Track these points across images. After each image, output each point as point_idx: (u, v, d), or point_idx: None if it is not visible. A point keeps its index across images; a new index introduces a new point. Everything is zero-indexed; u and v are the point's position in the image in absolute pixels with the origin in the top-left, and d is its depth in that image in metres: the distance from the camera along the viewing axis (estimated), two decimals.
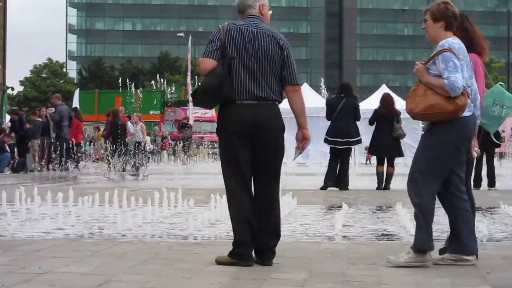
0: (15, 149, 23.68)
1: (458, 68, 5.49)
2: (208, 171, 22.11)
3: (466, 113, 5.54)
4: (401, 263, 5.44)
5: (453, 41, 5.62)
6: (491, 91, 6.12)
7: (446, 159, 5.56)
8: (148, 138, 31.35)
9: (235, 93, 5.50)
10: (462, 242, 5.60)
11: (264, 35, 5.61)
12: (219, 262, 5.45)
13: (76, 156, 22.94)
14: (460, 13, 5.82)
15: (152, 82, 57.09)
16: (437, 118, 5.52)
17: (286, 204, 9.28)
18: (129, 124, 24.81)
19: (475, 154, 5.86)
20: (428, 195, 5.53)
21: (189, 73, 40.41)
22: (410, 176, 5.62)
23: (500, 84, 6.29)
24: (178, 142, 31.24)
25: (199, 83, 5.70)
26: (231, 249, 5.46)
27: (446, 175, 5.61)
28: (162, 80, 55.17)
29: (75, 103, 44.65)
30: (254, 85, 5.54)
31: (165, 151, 32.25)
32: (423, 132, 6.17)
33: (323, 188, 13.81)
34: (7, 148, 22.47)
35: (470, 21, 6.03)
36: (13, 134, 23.78)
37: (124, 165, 22.55)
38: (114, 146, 22.12)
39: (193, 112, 35.08)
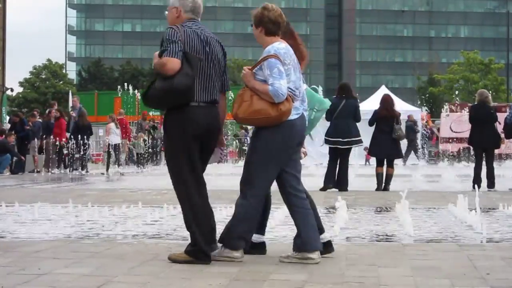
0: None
1: (282, 74, 5.56)
2: (207, 172, 22.08)
3: (294, 116, 5.65)
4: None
5: (279, 46, 5.68)
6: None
7: (274, 160, 5.63)
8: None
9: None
10: (302, 239, 5.67)
11: (213, 39, 5.75)
12: (174, 260, 5.56)
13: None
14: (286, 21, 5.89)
15: None
16: (262, 123, 5.62)
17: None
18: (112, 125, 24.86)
19: (302, 156, 5.97)
20: (255, 197, 5.63)
21: None
22: (242, 179, 5.71)
23: (312, 88, 6.37)
24: None
25: (153, 85, 5.54)
26: (192, 249, 5.54)
27: (275, 176, 5.69)
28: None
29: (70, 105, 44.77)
30: (210, 88, 5.66)
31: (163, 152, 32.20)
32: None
33: (323, 189, 13.80)
34: (13, 147, 22.45)
35: (291, 27, 6.09)
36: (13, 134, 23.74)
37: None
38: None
39: None
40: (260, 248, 6.00)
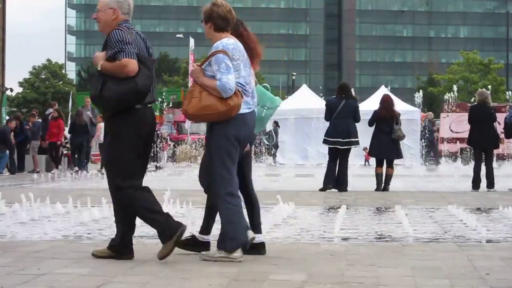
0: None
1: (230, 69, 5.62)
2: None
3: (245, 110, 5.71)
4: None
5: (228, 42, 5.74)
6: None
7: (230, 155, 5.67)
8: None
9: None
10: (224, 237, 5.70)
11: (147, 40, 5.85)
12: (96, 255, 5.70)
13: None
14: (237, 19, 5.94)
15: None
16: (212, 118, 5.68)
17: (285, 205, 9.28)
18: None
19: (248, 148, 6.03)
20: (227, 195, 5.65)
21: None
22: (211, 178, 5.77)
23: (264, 86, 6.39)
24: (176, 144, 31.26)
25: (105, 86, 5.52)
26: (117, 243, 5.70)
27: (235, 168, 5.73)
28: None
29: (70, 105, 44.79)
30: (154, 88, 5.78)
31: (164, 152, 32.22)
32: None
33: (323, 189, 13.79)
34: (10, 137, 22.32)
35: (245, 26, 6.14)
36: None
37: None
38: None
39: None
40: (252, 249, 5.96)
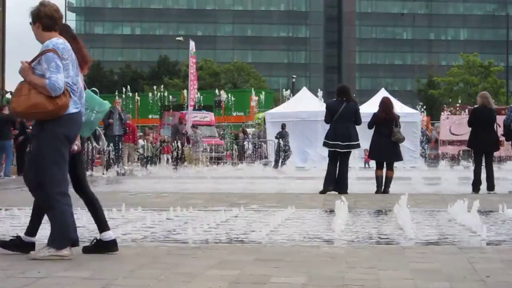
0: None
1: (60, 68, 5.71)
2: (206, 175, 22.11)
3: (73, 110, 5.81)
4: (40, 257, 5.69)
5: (58, 41, 5.83)
6: None
7: (60, 154, 5.74)
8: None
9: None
10: (53, 236, 5.75)
11: None
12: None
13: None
14: (64, 24, 6.13)
15: (155, 86, 57.26)
16: (40, 117, 5.75)
17: (285, 208, 9.28)
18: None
19: (75, 148, 6.09)
20: (57, 194, 5.71)
21: (191, 77, 40.34)
22: (33, 182, 5.81)
23: (93, 90, 6.50)
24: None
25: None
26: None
27: (66, 168, 5.81)
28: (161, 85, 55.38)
29: None
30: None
31: (164, 155, 32.23)
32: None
33: (323, 192, 13.79)
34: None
35: (72, 31, 6.31)
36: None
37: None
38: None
39: (192, 116, 35.05)
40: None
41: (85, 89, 6.23)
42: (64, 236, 5.72)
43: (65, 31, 6.10)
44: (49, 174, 5.71)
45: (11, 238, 6.17)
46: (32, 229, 6.14)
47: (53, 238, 5.74)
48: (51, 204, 5.74)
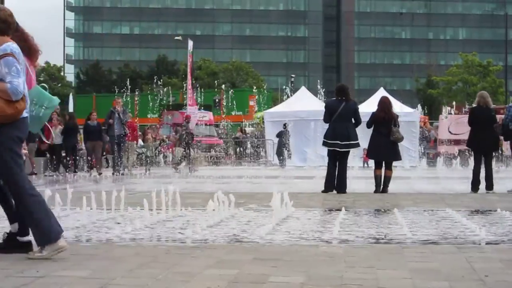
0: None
1: (20, 73, 5.76)
2: (204, 174, 22.12)
3: (25, 114, 5.88)
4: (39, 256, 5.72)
5: (14, 46, 5.86)
6: (30, 91, 6.23)
7: (16, 154, 5.78)
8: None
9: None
10: (42, 233, 5.76)
11: None
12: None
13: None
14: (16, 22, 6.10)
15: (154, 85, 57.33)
16: None
17: (284, 207, 9.28)
18: None
19: (26, 152, 6.24)
20: (29, 194, 5.75)
21: (189, 77, 40.36)
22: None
23: (42, 86, 6.53)
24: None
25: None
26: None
27: (23, 168, 5.86)
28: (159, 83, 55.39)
29: (70, 108, 44.73)
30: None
31: (163, 153, 32.24)
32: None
33: (325, 191, 13.78)
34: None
35: (21, 27, 6.28)
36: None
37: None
38: None
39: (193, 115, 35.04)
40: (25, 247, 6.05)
41: (36, 84, 6.32)
42: (52, 228, 5.73)
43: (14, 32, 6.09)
44: (15, 174, 5.74)
45: (5, 239, 6.15)
46: (23, 228, 6.11)
47: (41, 236, 5.74)
48: (27, 202, 5.76)
